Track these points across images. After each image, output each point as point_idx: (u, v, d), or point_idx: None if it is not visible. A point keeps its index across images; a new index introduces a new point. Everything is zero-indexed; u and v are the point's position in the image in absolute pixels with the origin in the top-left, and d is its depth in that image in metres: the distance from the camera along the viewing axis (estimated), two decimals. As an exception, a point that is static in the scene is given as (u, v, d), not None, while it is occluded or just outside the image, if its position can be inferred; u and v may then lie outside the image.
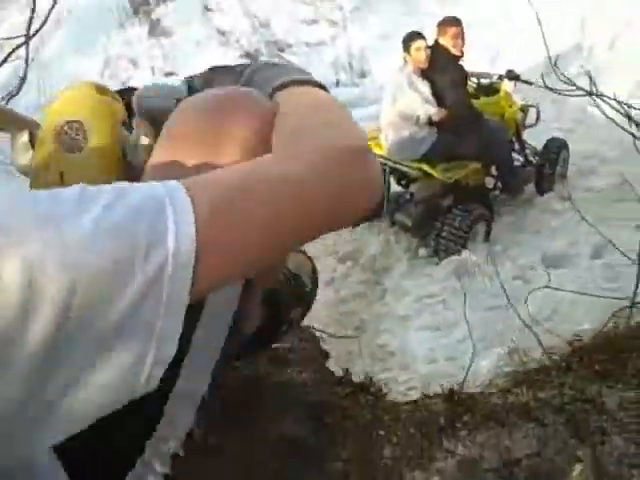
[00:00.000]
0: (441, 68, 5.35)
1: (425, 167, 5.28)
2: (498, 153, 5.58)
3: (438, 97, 5.35)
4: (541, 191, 6.07)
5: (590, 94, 2.88)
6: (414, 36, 5.34)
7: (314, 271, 1.68)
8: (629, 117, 2.61)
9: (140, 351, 0.61)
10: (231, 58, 9.01)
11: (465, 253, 5.15)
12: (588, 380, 1.29)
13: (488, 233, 5.46)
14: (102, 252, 0.58)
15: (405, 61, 5.40)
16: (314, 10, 9.73)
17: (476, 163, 5.47)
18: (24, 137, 1.22)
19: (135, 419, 0.89)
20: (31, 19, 3.12)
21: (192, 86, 1.12)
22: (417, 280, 5.09)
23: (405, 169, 5.42)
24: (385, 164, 5.46)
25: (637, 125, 2.60)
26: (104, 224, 0.60)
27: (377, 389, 1.47)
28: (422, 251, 5.43)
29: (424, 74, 5.34)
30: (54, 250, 0.56)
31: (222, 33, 9.47)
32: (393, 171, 5.58)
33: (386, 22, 9.31)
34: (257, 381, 1.41)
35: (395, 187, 5.84)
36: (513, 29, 8.79)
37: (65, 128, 1.13)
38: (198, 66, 1.16)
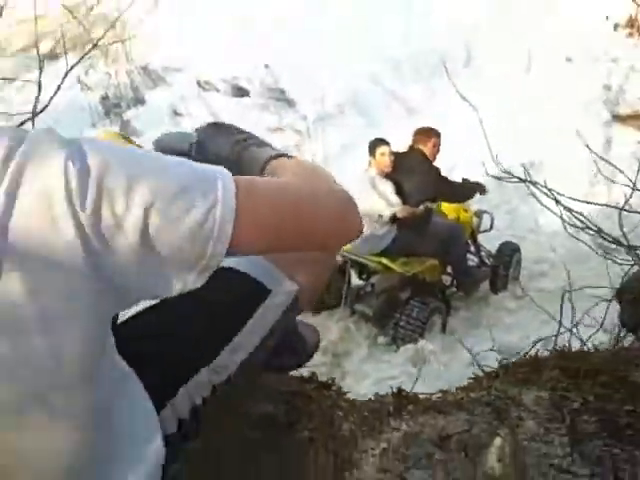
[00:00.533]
0: (412, 170, 5.72)
1: (385, 261, 5.57)
2: (454, 252, 5.92)
3: (404, 197, 5.71)
4: (495, 290, 6.41)
5: (524, 181, 3.25)
6: (379, 142, 5.74)
7: (318, 342, 1.98)
8: (556, 201, 2.98)
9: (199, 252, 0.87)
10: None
11: (422, 342, 5.39)
12: (511, 384, 1.57)
13: (444, 325, 5.74)
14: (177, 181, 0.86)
15: (370, 164, 5.76)
16: (279, 119, 10.24)
17: (433, 260, 5.79)
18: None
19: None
20: (37, 99, 3.36)
21: (199, 135, 1.41)
22: (376, 364, 5.29)
23: (366, 262, 5.71)
24: (347, 258, 5.78)
25: (566, 209, 2.96)
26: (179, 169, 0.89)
27: (338, 388, 1.74)
28: (381, 339, 5.67)
29: (388, 176, 5.69)
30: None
31: (190, 136, 9.87)
32: (354, 265, 5.89)
33: (347, 132, 9.86)
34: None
35: (355, 281, 6.15)
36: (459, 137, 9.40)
37: None
38: None
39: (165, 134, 1.49)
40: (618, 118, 9.12)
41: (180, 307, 1.19)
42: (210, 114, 10.25)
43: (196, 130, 1.48)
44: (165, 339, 1.17)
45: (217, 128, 1.37)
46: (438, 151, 5.92)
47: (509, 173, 3.29)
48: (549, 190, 2.95)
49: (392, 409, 1.52)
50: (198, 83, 10.97)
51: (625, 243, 2.70)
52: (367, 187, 5.73)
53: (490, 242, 6.66)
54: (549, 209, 3.15)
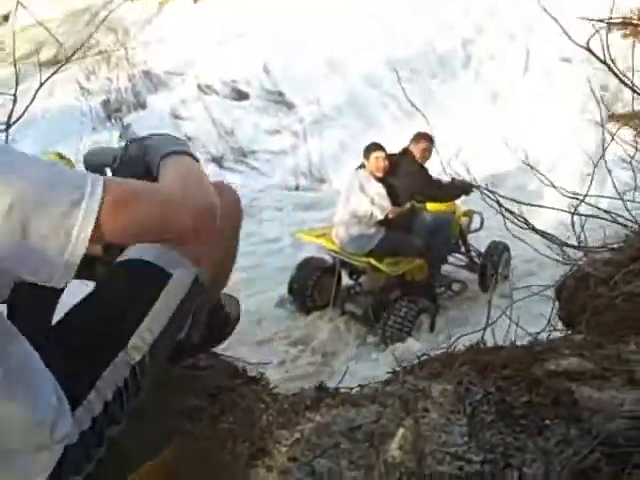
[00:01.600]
0: (402, 171, 5.88)
1: (372, 261, 5.67)
2: (436, 240, 6.04)
3: (395, 198, 5.84)
4: (484, 289, 6.49)
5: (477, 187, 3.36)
6: (374, 146, 5.88)
7: (238, 303, 2.12)
8: (498, 203, 3.10)
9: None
10: (197, 162, 9.51)
11: (410, 341, 5.49)
12: (424, 378, 1.68)
13: (432, 324, 5.82)
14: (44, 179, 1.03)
15: (363, 166, 5.90)
16: (277, 121, 10.36)
17: (420, 259, 5.89)
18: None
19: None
20: (12, 110, 3.44)
21: (127, 149, 1.53)
22: (364, 363, 5.39)
23: (354, 262, 5.82)
24: (335, 258, 5.91)
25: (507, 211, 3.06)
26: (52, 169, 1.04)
27: (266, 383, 1.85)
28: (370, 338, 5.77)
29: (380, 179, 5.80)
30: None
31: (189, 139, 10.01)
32: (344, 265, 6.00)
33: (343, 134, 9.98)
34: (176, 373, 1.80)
35: (346, 281, 6.28)
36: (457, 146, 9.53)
37: None
38: None
39: (93, 148, 1.63)
40: (614, 118, 9.15)
41: (93, 297, 1.39)
42: (210, 117, 10.39)
43: (128, 142, 1.59)
44: (82, 329, 1.29)
45: (135, 140, 1.49)
46: (429, 154, 6.06)
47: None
48: (492, 193, 3.05)
49: (310, 402, 1.62)
50: (199, 87, 11.10)
51: (558, 242, 2.80)
52: (355, 188, 5.86)
53: (482, 242, 6.75)
54: (504, 215, 3.26)
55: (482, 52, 11.64)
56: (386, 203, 5.77)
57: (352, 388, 1.74)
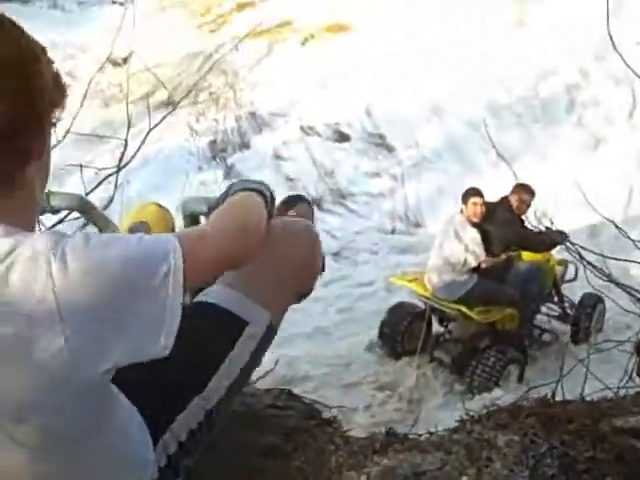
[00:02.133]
0: (500, 220, 5.95)
1: (463, 308, 5.69)
2: (529, 291, 6.04)
3: (489, 245, 5.88)
4: (576, 341, 6.38)
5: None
6: (473, 191, 5.98)
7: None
8: (580, 256, 3.10)
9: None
10: (297, 203, 9.73)
11: (497, 391, 5.45)
12: (490, 428, 1.72)
13: (521, 375, 5.77)
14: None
15: (461, 211, 5.96)
16: (376, 164, 10.50)
17: (512, 309, 5.86)
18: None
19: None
20: (123, 154, 3.68)
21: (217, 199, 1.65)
22: (451, 413, 5.38)
23: (445, 309, 5.85)
24: (426, 304, 5.95)
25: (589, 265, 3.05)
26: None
27: (339, 425, 1.94)
28: (457, 386, 5.76)
29: (476, 225, 5.86)
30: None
31: (290, 179, 10.27)
32: (435, 311, 6.03)
33: (441, 178, 10.02)
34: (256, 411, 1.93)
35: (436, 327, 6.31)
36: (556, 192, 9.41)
37: (137, 225, 1.76)
38: None
39: (190, 197, 1.77)
40: None
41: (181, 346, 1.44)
42: (311, 158, 10.62)
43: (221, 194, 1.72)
44: (161, 373, 1.41)
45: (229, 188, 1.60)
46: (527, 208, 6.15)
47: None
48: (573, 245, 3.05)
49: (379, 446, 1.70)
50: (301, 128, 11.37)
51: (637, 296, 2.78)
52: (450, 234, 5.91)
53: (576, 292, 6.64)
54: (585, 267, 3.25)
55: (586, 97, 11.50)
56: (480, 250, 5.80)
57: (421, 435, 1.81)
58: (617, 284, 3.18)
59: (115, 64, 11.91)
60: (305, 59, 13.40)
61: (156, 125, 3.56)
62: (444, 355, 5.99)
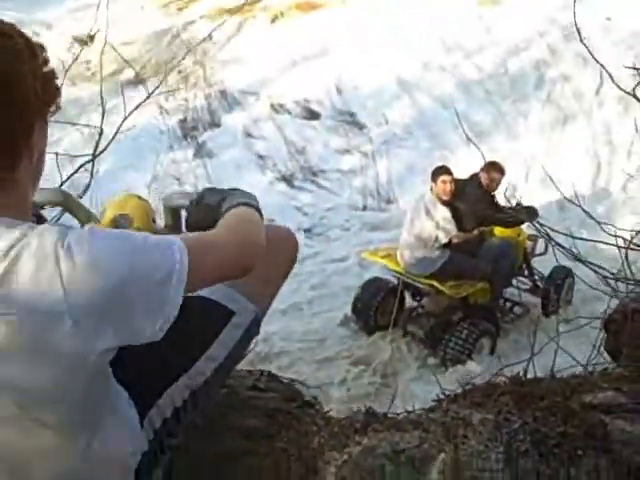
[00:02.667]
0: (467, 196, 6.05)
1: (435, 283, 5.78)
2: (500, 266, 6.12)
3: (459, 222, 5.96)
4: (546, 313, 6.51)
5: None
6: (442, 170, 6.04)
7: None
8: (548, 237, 3.17)
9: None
10: (268, 180, 9.77)
11: (470, 364, 5.55)
12: (466, 407, 1.79)
13: (493, 347, 5.88)
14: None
15: (431, 189, 6.03)
16: (347, 141, 10.52)
17: (483, 283, 5.96)
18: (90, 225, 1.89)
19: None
20: (97, 142, 3.66)
21: (203, 196, 1.69)
22: (424, 386, 5.48)
23: (417, 284, 5.93)
24: (399, 279, 6.02)
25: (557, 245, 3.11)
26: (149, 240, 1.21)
27: (320, 406, 2.00)
28: (431, 360, 5.86)
29: (446, 202, 5.93)
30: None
31: (261, 157, 10.27)
32: (407, 286, 6.12)
33: (412, 155, 10.08)
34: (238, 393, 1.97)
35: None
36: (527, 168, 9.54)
37: (118, 218, 1.80)
38: (237, 186, 1.74)
39: (172, 191, 1.85)
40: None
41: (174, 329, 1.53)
42: (282, 136, 10.62)
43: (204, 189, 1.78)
44: (151, 353, 1.46)
45: (212, 189, 1.66)
46: (497, 186, 6.25)
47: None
48: (541, 226, 3.12)
49: (359, 426, 1.76)
50: (272, 106, 11.34)
51: (602, 275, 2.86)
52: (421, 212, 5.97)
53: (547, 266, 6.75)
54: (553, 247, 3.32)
55: (555, 74, 11.60)
56: (451, 227, 5.88)
57: (399, 414, 1.86)
58: (584, 262, 3.25)
59: (82, 42, 11.75)
60: (274, 37, 13.34)
61: (130, 113, 3.55)
62: (417, 329, 6.10)
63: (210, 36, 11.47)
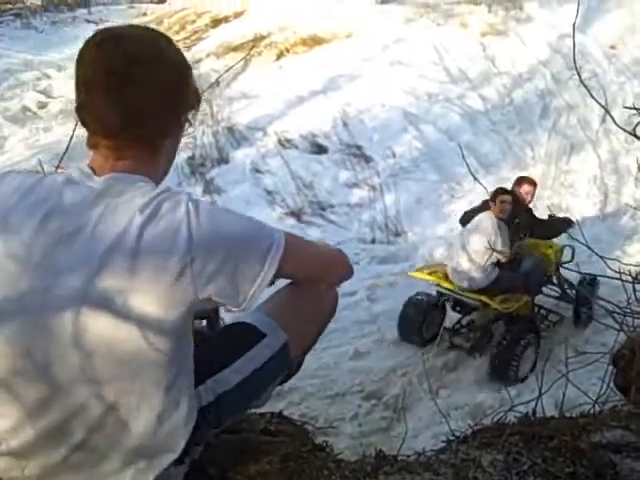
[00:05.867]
0: (516, 214, 6.39)
1: (484, 299, 6.05)
2: (531, 281, 6.38)
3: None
4: (577, 320, 6.87)
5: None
6: (502, 190, 6.40)
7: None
8: None
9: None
10: (277, 215, 9.80)
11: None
12: (475, 447, 1.79)
13: (536, 358, 6.11)
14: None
15: (492, 209, 6.31)
16: (354, 175, 10.56)
17: (526, 296, 6.29)
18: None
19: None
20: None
21: None
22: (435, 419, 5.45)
23: (467, 300, 6.24)
24: (440, 295, 6.48)
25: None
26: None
27: (331, 450, 2.00)
28: (442, 392, 5.89)
29: (504, 221, 6.24)
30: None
31: (269, 192, 10.31)
32: (448, 299, 6.49)
33: (420, 187, 10.11)
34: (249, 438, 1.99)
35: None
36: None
37: None
38: None
39: None
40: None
41: (210, 341, 1.81)
42: (289, 171, 10.68)
43: None
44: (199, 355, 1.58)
45: None
46: (532, 197, 6.77)
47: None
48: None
49: (370, 469, 1.76)
50: (279, 141, 11.42)
51: (607, 309, 2.85)
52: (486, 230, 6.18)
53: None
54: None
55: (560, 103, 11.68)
56: (506, 245, 6.15)
57: (409, 456, 1.86)
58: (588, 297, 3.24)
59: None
60: (280, 73, 13.48)
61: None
62: (464, 342, 6.33)
63: (218, 82, 11.65)
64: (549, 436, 1.72)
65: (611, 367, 2.64)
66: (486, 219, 6.24)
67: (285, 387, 6.20)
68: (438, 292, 6.50)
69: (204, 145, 11.44)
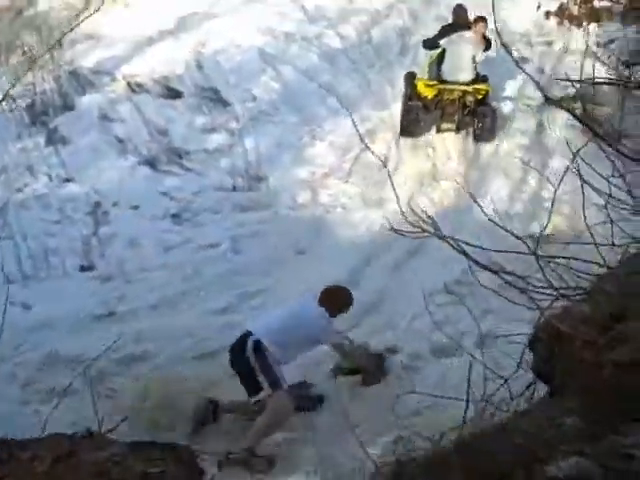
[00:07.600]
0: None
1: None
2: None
3: None
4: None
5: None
6: (481, 18, 9.47)
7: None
8: (464, 253, 2.89)
9: None
10: (130, 164, 9.19)
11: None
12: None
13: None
14: None
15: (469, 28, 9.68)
16: (211, 119, 10.05)
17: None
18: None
19: None
20: None
21: None
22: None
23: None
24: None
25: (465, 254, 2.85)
26: None
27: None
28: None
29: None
30: None
31: (120, 141, 9.64)
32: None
33: (280, 130, 9.75)
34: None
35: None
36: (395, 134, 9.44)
37: None
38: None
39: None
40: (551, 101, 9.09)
41: None
42: (141, 117, 10.03)
43: None
44: None
45: None
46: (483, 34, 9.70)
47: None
48: (454, 241, 2.88)
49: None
50: (128, 85, 10.70)
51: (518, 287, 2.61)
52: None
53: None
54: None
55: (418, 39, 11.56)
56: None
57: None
58: (496, 273, 3.00)
59: None
60: (127, 14, 12.58)
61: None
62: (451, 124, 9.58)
63: (72, 29, 10.65)
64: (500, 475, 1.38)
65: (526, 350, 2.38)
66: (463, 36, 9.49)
67: (141, 350, 5.97)
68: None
69: (45, 92, 10.51)
